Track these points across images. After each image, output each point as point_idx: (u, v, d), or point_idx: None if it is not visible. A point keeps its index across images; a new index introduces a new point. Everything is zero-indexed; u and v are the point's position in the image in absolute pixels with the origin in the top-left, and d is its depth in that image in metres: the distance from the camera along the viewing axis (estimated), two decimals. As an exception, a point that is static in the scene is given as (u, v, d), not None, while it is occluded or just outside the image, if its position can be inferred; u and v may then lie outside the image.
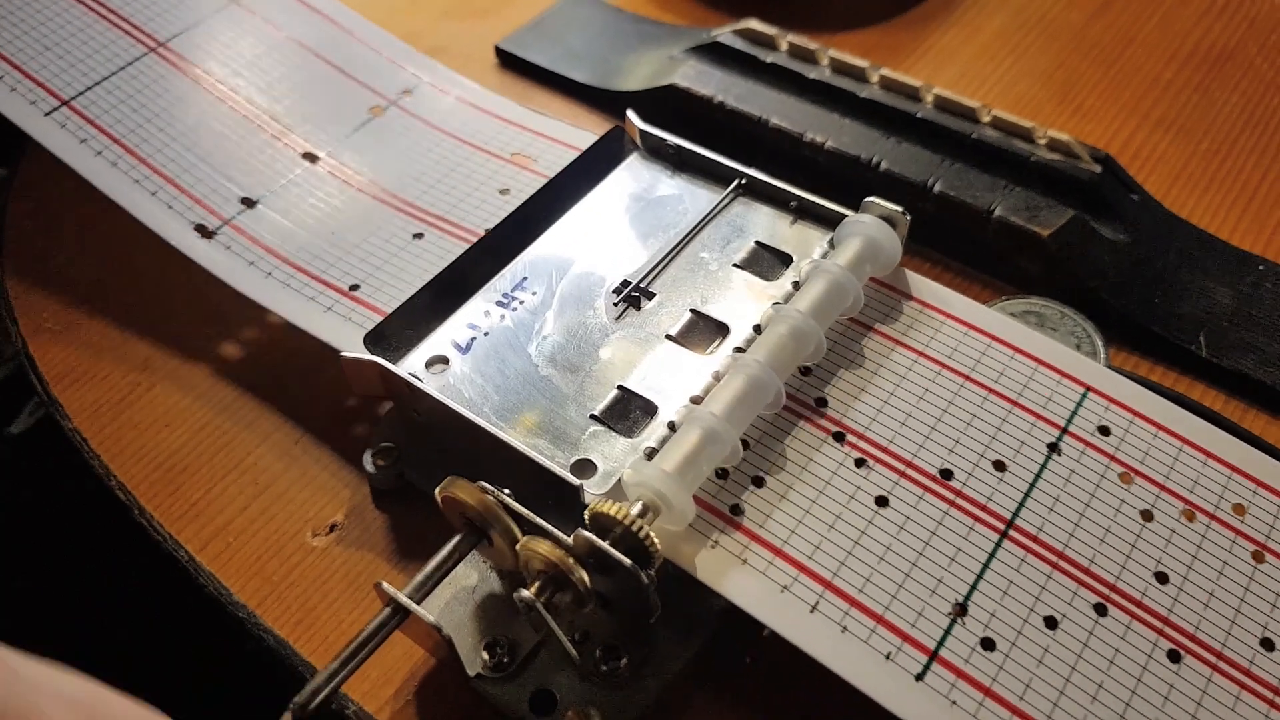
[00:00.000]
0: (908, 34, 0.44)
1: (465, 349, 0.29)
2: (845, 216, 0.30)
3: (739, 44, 0.39)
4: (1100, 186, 0.33)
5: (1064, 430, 0.27)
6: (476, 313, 0.30)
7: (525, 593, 0.23)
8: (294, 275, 0.32)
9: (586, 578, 0.23)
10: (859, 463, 0.26)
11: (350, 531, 0.29)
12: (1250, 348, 0.31)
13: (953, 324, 0.29)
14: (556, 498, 0.25)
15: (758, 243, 0.31)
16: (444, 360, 0.29)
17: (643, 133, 0.34)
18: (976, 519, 0.25)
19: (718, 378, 0.27)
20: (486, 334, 0.30)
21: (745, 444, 0.26)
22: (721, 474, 0.26)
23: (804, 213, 0.32)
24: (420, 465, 0.29)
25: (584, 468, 0.26)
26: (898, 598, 0.24)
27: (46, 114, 0.34)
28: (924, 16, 0.45)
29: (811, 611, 0.24)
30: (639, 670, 0.25)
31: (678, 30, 0.43)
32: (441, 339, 0.29)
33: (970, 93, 0.41)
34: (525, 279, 0.31)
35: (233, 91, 0.36)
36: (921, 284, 0.30)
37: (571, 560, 0.23)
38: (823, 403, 0.27)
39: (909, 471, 0.26)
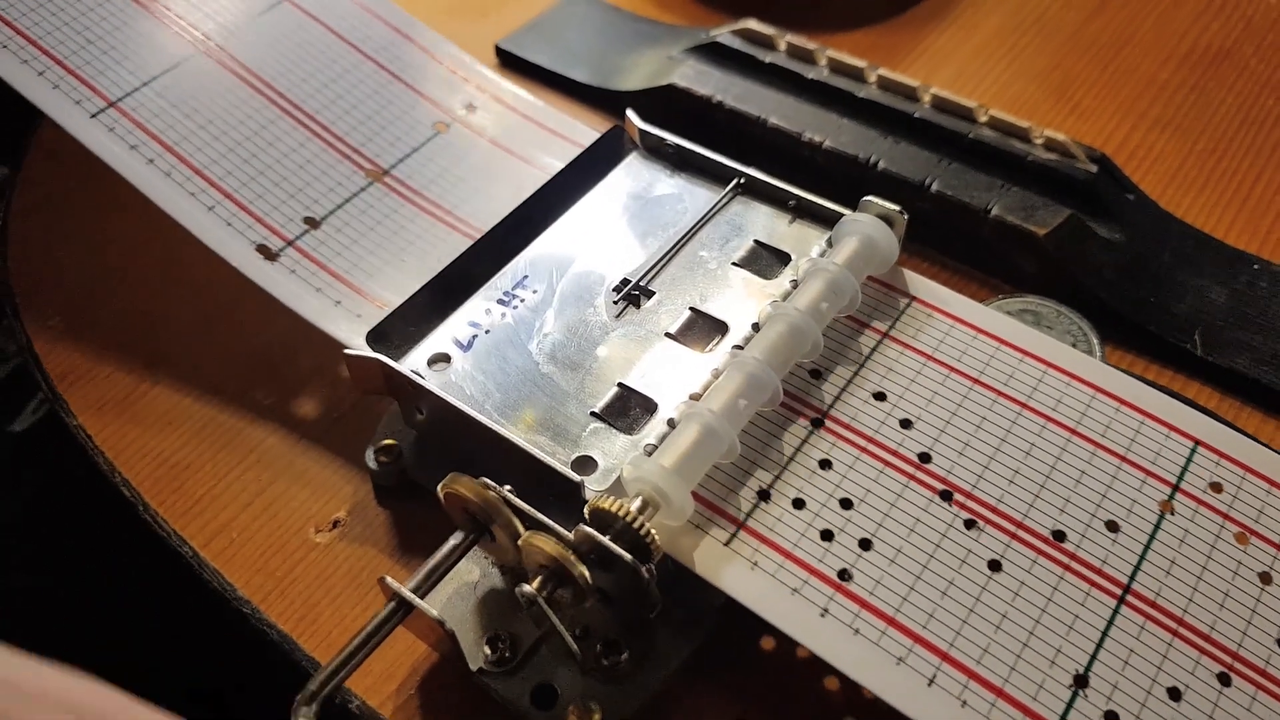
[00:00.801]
0: (905, 34, 0.45)
1: (467, 346, 0.29)
2: (843, 215, 0.30)
3: (738, 44, 0.39)
4: (1096, 186, 0.34)
5: (1175, 488, 0.26)
6: (478, 311, 0.30)
7: (527, 588, 0.23)
8: (364, 304, 0.30)
9: (587, 573, 0.23)
10: (969, 524, 0.25)
11: (353, 528, 0.30)
12: (1245, 346, 0.31)
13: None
14: (557, 494, 0.25)
15: (756, 241, 0.31)
16: (446, 358, 0.29)
17: (642, 132, 0.34)
18: (1092, 583, 0.24)
19: (716, 375, 0.27)
20: (488, 332, 0.30)
21: (847, 503, 0.26)
22: (827, 536, 0.25)
23: (802, 212, 0.32)
24: (422, 462, 0.29)
25: (584, 464, 0.27)
26: (1016, 669, 0.23)
27: (93, 115, 0.32)
28: (922, 17, 0.45)
29: (929, 685, 0.23)
30: (640, 665, 0.25)
31: (677, 30, 0.44)
32: (443, 337, 0.30)
33: (967, 93, 0.41)
34: (526, 277, 0.31)
35: (292, 101, 0.34)
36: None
37: (572, 555, 0.23)
38: (926, 458, 0.26)
39: (1020, 533, 0.25)
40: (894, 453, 0.26)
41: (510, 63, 0.44)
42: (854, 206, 0.30)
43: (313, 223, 0.32)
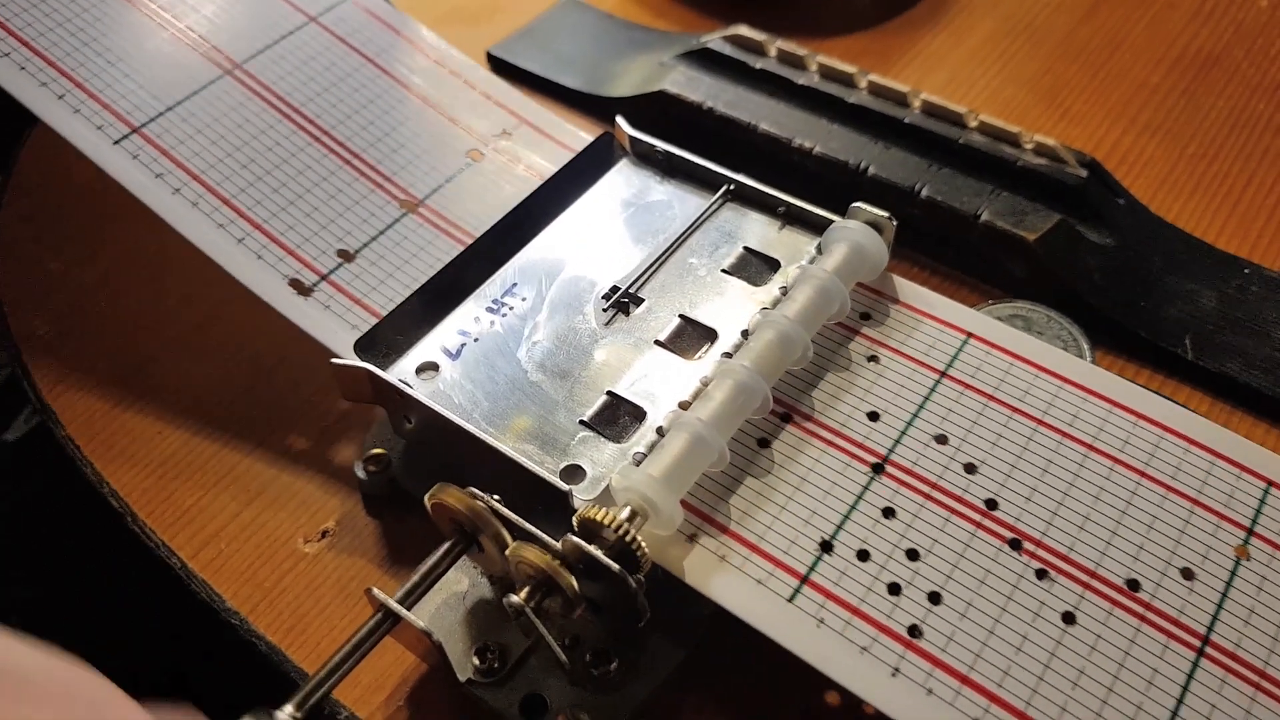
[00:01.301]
0: (896, 39, 0.45)
1: (455, 355, 0.29)
2: (833, 222, 0.30)
3: (728, 50, 0.39)
4: (1086, 191, 0.34)
5: (1250, 532, 0.25)
6: (467, 319, 0.30)
7: (515, 598, 0.23)
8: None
9: (575, 583, 0.23)
10: (1040, 574, 0.24)
11: (341, 538, 0.29)
12: (1236, 351, 0.31)
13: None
14: (546, 503, 0.25)
15: (746, 248, 0.31)
16: (434, 366, 0.29)
17: (632, 139, 0.34)
18: (1170, 635, 0.23)
19: (706, 383, 0.27)
20: (476, 340, 0.30)
21: (914, 554, 0.25)
22: (894, 589, 0.24)
23: (792, 218, 0.32)
24: (411, 471, 0.29)
25: (573, 473, 0.26)
26: None
27: (115, 142, 0.31)
28: (913, 22, 0.45)
29: None
30: (629, 674, 0.25)
31: (668, 36, 0.44)
32: (431, 345, 0.30)
33: (958, 98, 0.41)
34: (515, 284, 0.31)
35: (322, 128, 0.33)
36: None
37: (561, 566, 0.23)
38: (993, 504, 0.26)
39: (1094, 583, 0.24)
40: (959, 499, 0.26)
41: (502, 69, 0.44)
42: (844, 212, 0.30)
43: (346, 255, 0.31)
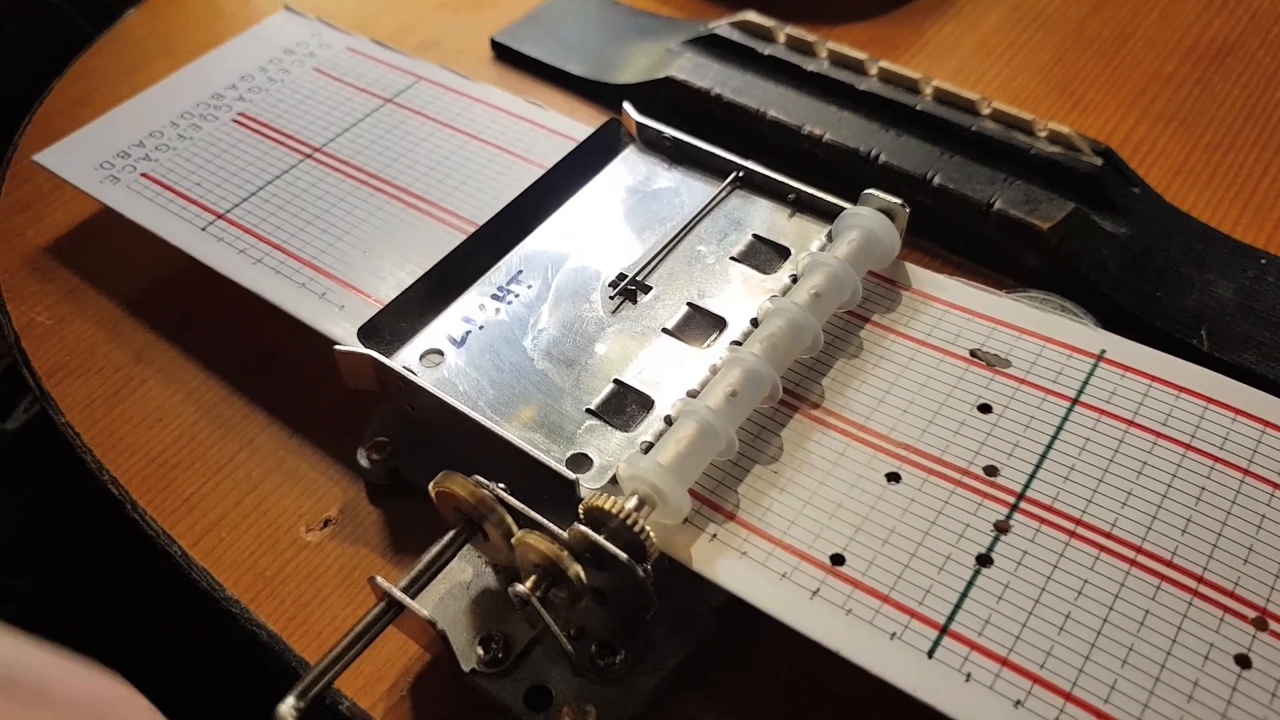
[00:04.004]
0: (906, 27, 0.44)
1: (460, 342, 0.29)
2: (843, 209, 0.30)
3: (736, 36, 0.39)
4: (1101, 179, 0.33)
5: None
6: (472, 306, 0.30)
7: (520, 587, 0.23)
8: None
9: (582, 572, 0.23)
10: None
11: (344, 526, 0.29)
12: (1252, 342, 0.31)
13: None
14: (552, 492, 0.25)
15: (755, 236, 0.31)
16: (439, 353, 0.29)
17: (639, 125, 0.34)
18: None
19: (714, 371, 0.27)
20: (482, 327, 0.29)
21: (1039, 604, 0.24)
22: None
23: (802, 206, 0.31)
24: (414, 460, 0.29)
25: (580, 462, 0.26)
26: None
27: (203, 229, 0.33)
28: (923, 10, 0.45)
29: None
30: (635, 666, 0.24)
31: (674, 22, 0.43)
32: (436, 332, 0.29)
33: (969, 86, 0.41)
34: (521, 272, 0.31)
35: (400, 186, 0.34)
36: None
37: (567, 555, 0.23)
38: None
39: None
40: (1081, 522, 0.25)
41: (506, 56, 0.43)
42: (854, 200, 0.30)
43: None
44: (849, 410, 0.27)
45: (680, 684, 0.25)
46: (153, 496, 0.30)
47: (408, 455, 0.29)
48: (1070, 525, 0.24)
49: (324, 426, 0.31)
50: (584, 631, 0.25)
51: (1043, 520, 0.24)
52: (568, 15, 0.44)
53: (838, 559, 0.24)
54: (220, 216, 0.33)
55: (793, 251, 0.30)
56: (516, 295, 0.30)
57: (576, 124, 0.36)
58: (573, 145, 0.34)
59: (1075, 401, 0.27)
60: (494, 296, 0.30)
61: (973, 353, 0.27)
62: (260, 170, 0.35)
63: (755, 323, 0.28)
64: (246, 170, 0.35)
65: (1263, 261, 0.33)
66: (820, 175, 0.32)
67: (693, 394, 0.26)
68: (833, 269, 0.28)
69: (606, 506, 0.23)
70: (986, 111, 0.35)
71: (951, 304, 0.29)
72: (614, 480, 0.25)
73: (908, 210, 0.29)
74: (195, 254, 0.32)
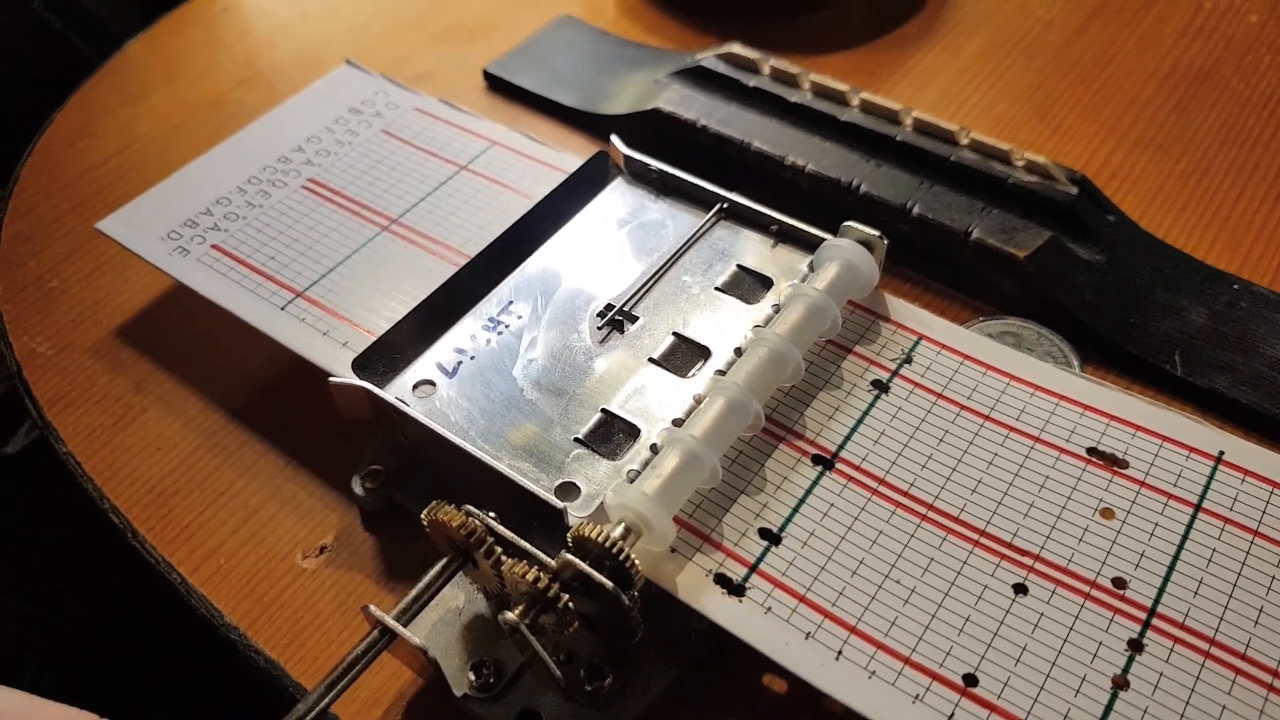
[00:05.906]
0: (889, 55, 0.45)
1: (451, 373, 0.30)
2: (824, 240, 0.30)
3: (722, 68, 0.40)
4: (1077, 208, 0.34)
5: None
6: (463, 336, 0.31)
7: (510, 615, 0.23)
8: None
9: (570, 599, 0.23)
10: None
11: (339, 554, 0.30)
12: (1224, 366, 0.32)
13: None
14: (541, 520, 0.25)
15: (739, 266, 0.32)
16: (430, 384, 0.29)
17: (626, 157, 0.35)
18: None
19: (699, 400, 0.27)
20: (473, 357, 0.30)
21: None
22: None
23: (784, 236, 0.32)
24: (408, 488, 0.29)
25: (568, 490, 0.27)
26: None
27: (281, 308, 0.32)
28: (905, 38, 0.46)
29: None
30: (623, 690, 0.25)
31: (662, 54, 0.44)
32: (428, 363, 0.30)
33: (951, 113, 0.42)
34: (511, 302, 0.32)
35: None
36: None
37: (555, 582, 0.23)
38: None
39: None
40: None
41: (498, 86, 0.44)
42: (836, 231, 0.31)
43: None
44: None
45: (669, 705, 0.26)
46: (152, 525, 0.31)
47: (402, 483, 0.30)
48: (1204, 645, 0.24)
49: (319, 456, 0.32)
50: (573, 656, 0.25)
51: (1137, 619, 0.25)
52: (559, 47, 0.45)
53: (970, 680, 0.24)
54: (299, 295, 0.32)
55: (775, 282, 0.31)
56: (507, 325, 0.31)
57: (567, 154, 0.36)
58: (561, 176, 0.35)
59: (1198, 509, 0.26)
60: (485, 326, 0.31)
61: (1089, 449, 0.28)
62: (337, 243, 0.34)
63: (739, 352, 0.29)
64: (323, 243, 0.34)
65: (1235, 287, 0.34)
66: (804, 205, 0.33)
67: (678, 423, 0.27)
68: (813, 300, 0.28)
69: (593, 535, 0.24)
70: (965, 141, 0.36)
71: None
72: (601, 508, 0.26)
73: (885, 242, 0.30)
74: (277, 337, 0.31)
